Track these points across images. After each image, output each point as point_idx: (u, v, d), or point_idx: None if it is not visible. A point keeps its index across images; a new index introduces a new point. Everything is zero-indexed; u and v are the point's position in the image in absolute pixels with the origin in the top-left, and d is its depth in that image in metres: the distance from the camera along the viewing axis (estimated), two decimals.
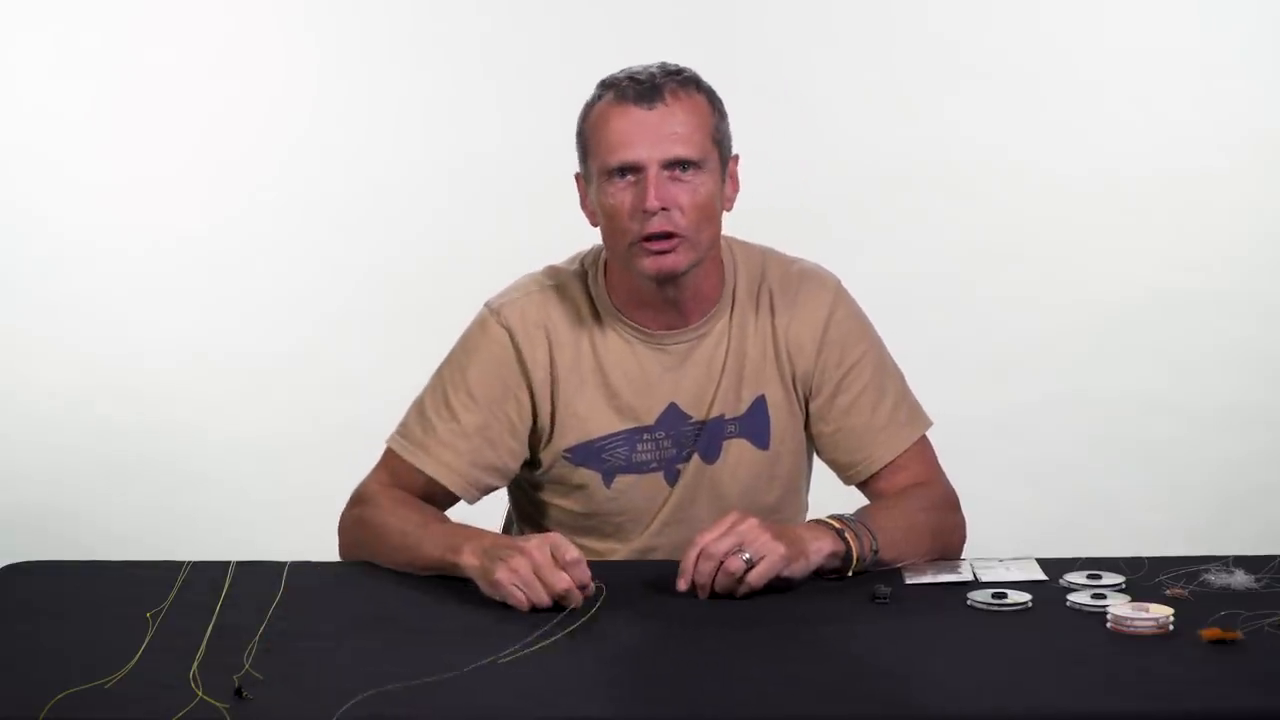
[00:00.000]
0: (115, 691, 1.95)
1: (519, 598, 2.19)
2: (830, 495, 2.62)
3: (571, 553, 2.20)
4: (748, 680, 1.99)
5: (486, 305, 2.53)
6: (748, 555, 2.22)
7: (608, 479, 2.50)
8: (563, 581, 2.18)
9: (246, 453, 4.49)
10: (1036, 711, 1.92)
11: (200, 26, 4.55)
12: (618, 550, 2.54)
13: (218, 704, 1.90)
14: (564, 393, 2.49)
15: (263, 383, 4.51)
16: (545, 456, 2.51)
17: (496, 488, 2.53)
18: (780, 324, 2.52)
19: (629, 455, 2.50)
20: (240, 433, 4.52)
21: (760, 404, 2.51)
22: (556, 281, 2.52)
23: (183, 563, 2.36)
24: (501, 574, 2.20)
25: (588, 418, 2.49)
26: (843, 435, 2.52)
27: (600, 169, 2.41)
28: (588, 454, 2.50)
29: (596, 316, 2.50)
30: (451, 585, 2.31)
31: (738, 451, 2.51)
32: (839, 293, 2.55)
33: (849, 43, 4.57)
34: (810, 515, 2.64)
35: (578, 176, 2.49)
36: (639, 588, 2.31)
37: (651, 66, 2.44)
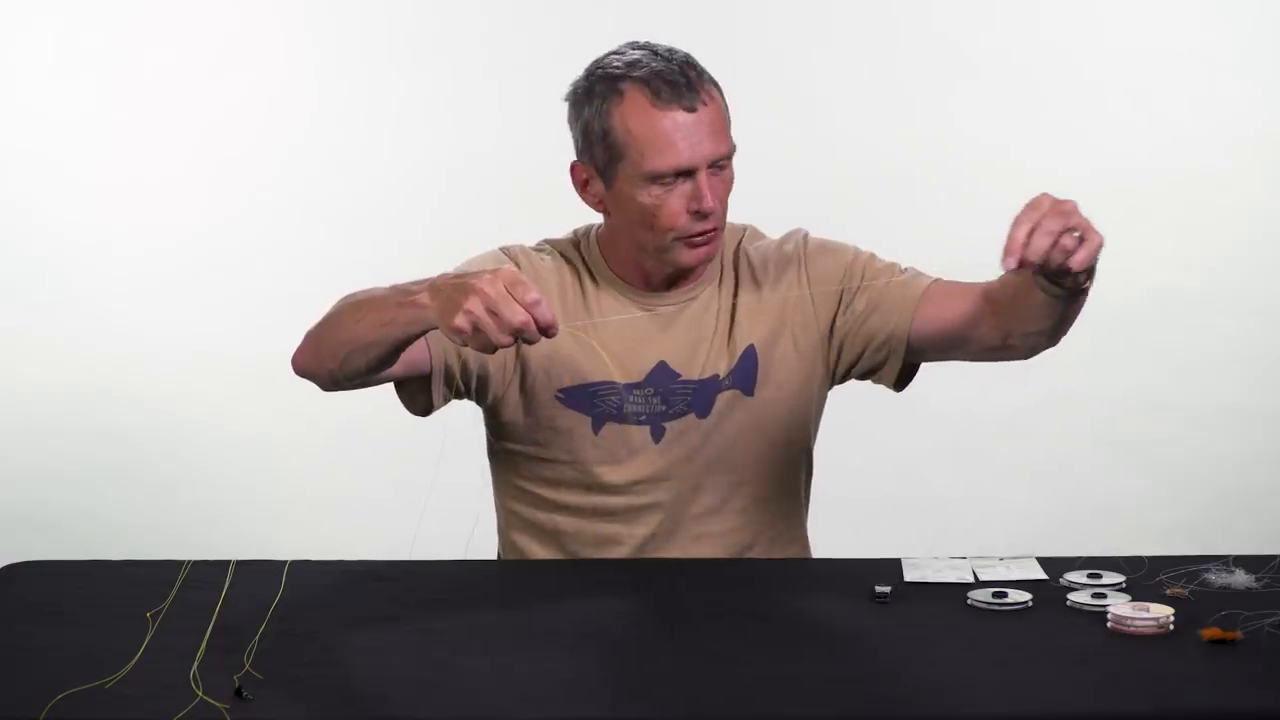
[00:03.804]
0: (115, 692, 1.95)
1: (481, 340, 2.14)
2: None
3: (531, 293, 2.13)
4: (748, 680, 1.99)
5: (497, 247, 2.58)
6: (1078, 234, 2.18)
7: (597, 424, 2.51)
8: (519, 315, 2.12)
9: (246, 452, 4.49)
10: (1036, 711, 1.92)
11: (200, 26, 4.55)
12: (608, 503, 2.53)
13: (218, 704, 1.90)
14: (560, 338, 2.49)
15: (263, 382, 4.51)
16: (535, 396, 2.51)
17: (457, 383, 2.50)
18: (764, 279, 2.55)
19: (620, 405, 2.51)
20: (240, 432, 4.51)
21: (750, 352, 2.54)
22: (556, 246, 2.59)
23: (183, 562, 2.36)
24: (459, 320, 2.14)
25: (583, 363, 2.50)
26: (879, 302, 2.52)
27: (640, 173, 2.42)
28: (581, 396, 2.51)
29: (592, 278, 2.55)
30: (453, 583, 2.31)
31: (726, 401, 2.53)
32: (808, 235, 2.60)
33: (849, 42, 4.57)
34: (813, 476, 2.67)
35: (576, 165, 2.50)
36: (639, 588, 2.31)
37: (672, 56, 2.45)
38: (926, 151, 4.55)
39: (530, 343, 2.18)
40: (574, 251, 2.57)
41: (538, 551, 2.59)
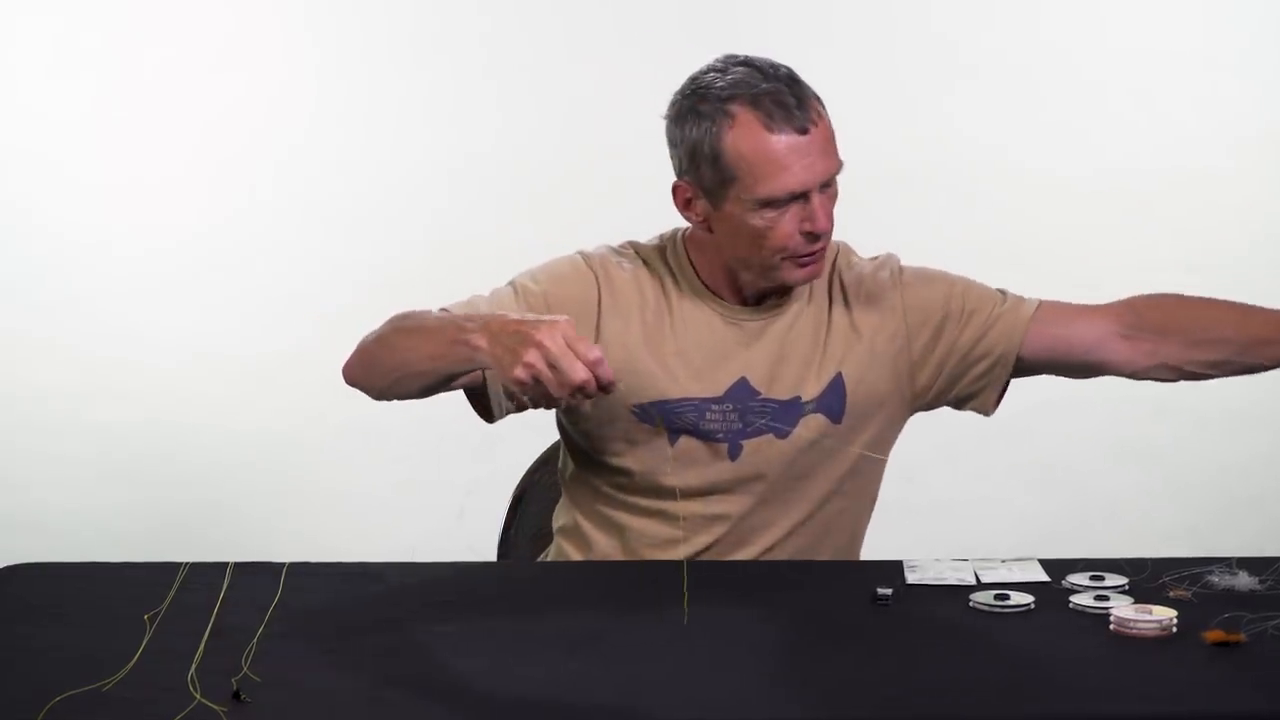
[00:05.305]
0: (113, 694, 1.94)
1: (540, 391, 2.10)
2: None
3: (594, 350, 2.10)
4: (749, 680, 1.99)
5: (576, 252, 2.53)
6: None
7: (673, 437, 2.49)
8: (580, 373, 2.08)
9: (246, 453, 4.48)
10: (1038, 713, 1.92)
11: (200, 26, 4.54)
12: (677, 509, 2.51)
13: (216, 707, 1.90)
14: (637, 351, 2.48)
15: (262, 383, 4.51)
16: (610, 408, 2.48)
17: (521, 398, 2.45)
18: (857, 304, 2.54)
19: (697, 421, 2.49)
20: (240, 433, 4.51)
21: (838, 380, 2.51)
22: (640, 252, 2.54)
23: (181, 564, 2.36)
24: (519, 372, 2.10)
25: (660, 378, 2.48)
26: (984, 333, 2.54)
27: (754, 197, 2.38)
28: (658, 411, 2.49)
29: (677, 287, 2.51)
30: (454, 585, 2.30)
31: (808, 425, 2.50)
32: (901, 264, 2.60)
33: (849, 42, 4.56)
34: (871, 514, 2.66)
35: (679, 186, 2.45)
36: (640, 588, 2.31)
37: (777, 74, 2.40)
38: (926, 151, 4.54)
39: (588, 398, 2.14)
40: (659, 259, 2.52)
41: (600, 540, 2.56)
